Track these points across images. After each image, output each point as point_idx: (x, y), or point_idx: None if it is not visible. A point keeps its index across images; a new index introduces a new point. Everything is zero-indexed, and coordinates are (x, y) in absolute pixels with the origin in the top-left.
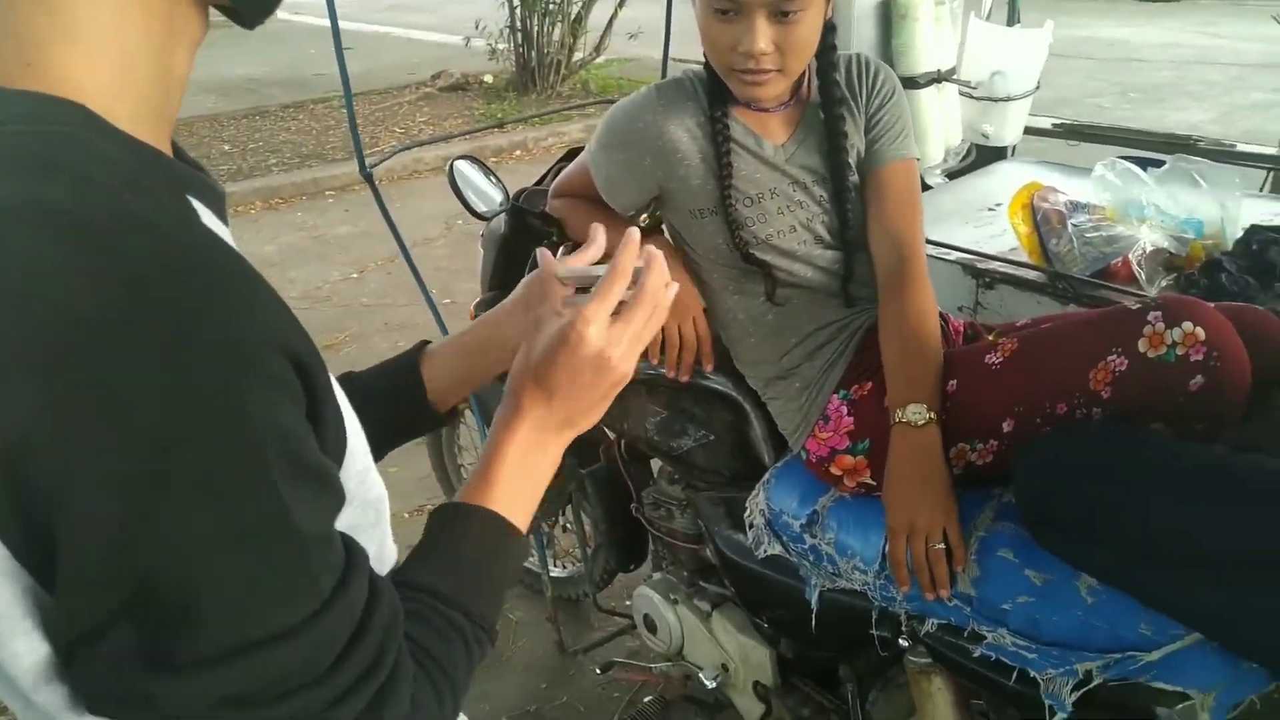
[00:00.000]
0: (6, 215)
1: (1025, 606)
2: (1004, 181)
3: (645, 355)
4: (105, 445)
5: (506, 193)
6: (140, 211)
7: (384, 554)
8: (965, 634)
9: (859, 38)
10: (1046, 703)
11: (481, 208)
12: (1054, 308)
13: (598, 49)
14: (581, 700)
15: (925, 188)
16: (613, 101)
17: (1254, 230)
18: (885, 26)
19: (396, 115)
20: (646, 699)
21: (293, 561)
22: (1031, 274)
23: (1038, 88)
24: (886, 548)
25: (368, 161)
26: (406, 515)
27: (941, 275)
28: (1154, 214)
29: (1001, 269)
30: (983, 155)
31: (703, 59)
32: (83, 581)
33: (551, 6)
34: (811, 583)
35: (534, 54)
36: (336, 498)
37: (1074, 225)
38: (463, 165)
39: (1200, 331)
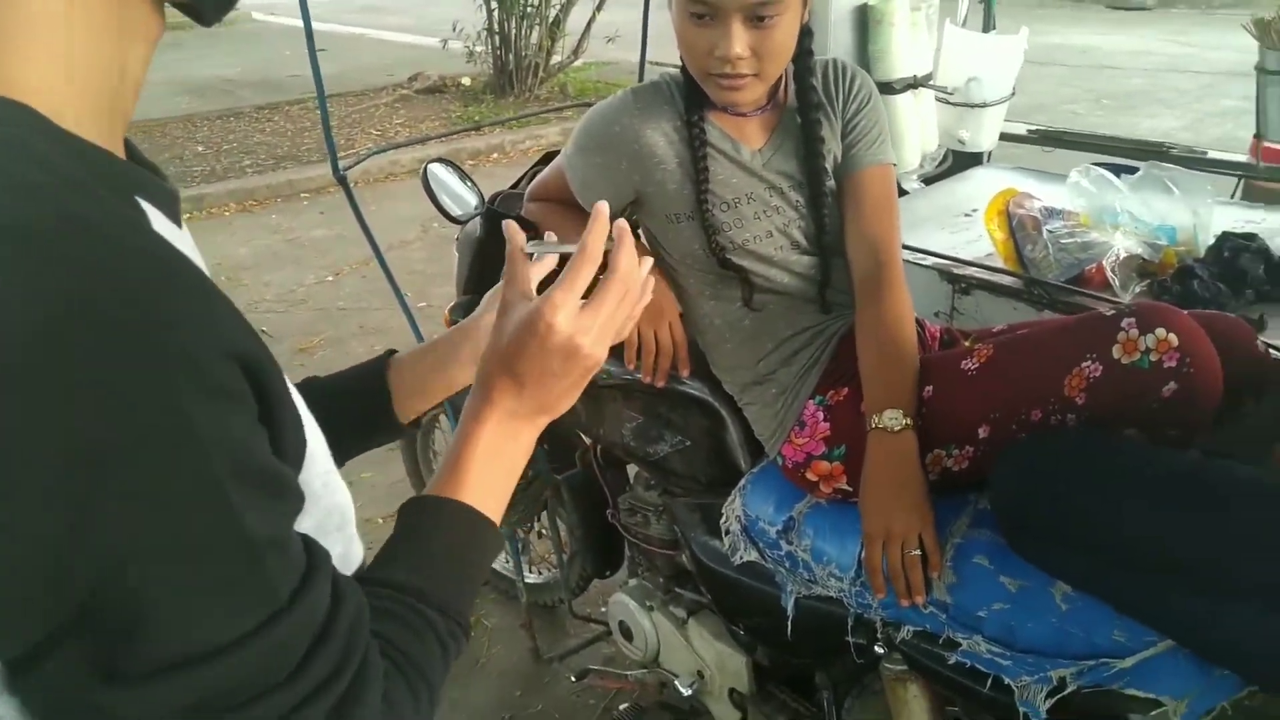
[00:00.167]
0: None
1: (1000, 613)
2: (980, 187)
3: (621, 360)
4: (43, 456)
5: (481, 196)
6: (83, 215)
7: (349, 556)
8: (940, 641)
9: (835, 43)
10: (1021, 710)
11: (456, 211)
12: (1030, 313)
13: (575, 52)
14: (557, 708)
15: (902, 193)
16: (590, 105)
17: (1225, 237)
18: (862, 32)
19: (373, 117)
20: (622, 706)
21: (245, 567)
22: (1007, 280)
23: (1013, 94)
24: (862, 554)
25: (342, 164)
26: (380, 520)
27: (918, 281)
28: (1128, 220)
29: (977, 275)
30: (959, 161)
31: (680, 63)
32: (27, 596)
33: (529, 9)
34: (787, 589)
35: (512, 57)
36: (294, 502)
37: (1049, 231)
38: (437, 168)
39: (1173, 338)
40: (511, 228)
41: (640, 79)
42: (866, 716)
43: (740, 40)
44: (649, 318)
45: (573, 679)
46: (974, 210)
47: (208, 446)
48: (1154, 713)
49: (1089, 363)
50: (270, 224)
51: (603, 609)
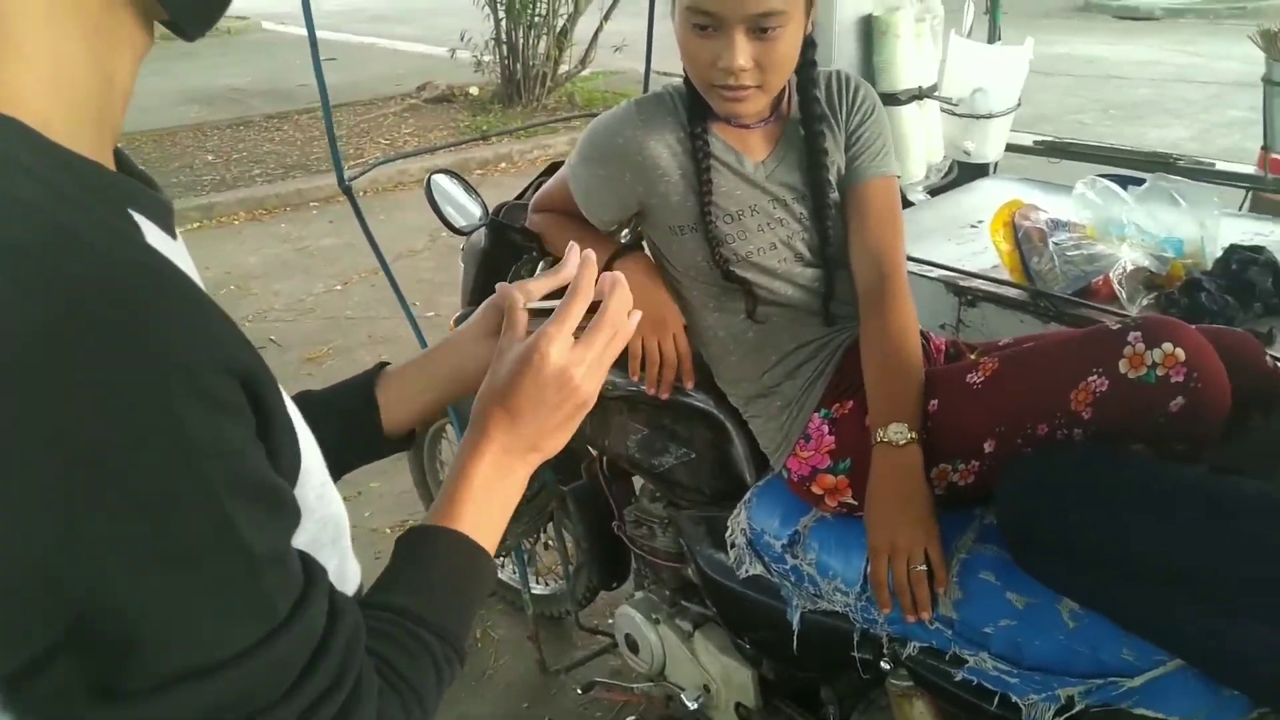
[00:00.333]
0: None
1: (1007, 630)
2: (986, 198)
3: (626, 372)
4: (36, 467)
5: (485, 207)
6: (73, 229)
7: (345, 571)
8: (947, 657)
9: (840, 54)
10: None
11: (461, 222)
12: (1036, 326)
13: (583, 61)
14: None
15: (907, 204)
16: (598, 114)
17: (1233, 250)
18: (866, 43)
19: (381, 126)
20: (629, 719)
21: (243, 582)
22: (1013, 292)
23: (1019, 104)
24: (868, 569)
25: (347, 175)
26: (388, 530)
27: (923, 292)
28: (1134, 233)
29: (983, 287)
30: (965, 172)
31: (684, 74)
32: (21, 609)
33: (537, 19)
34: (793, 604)
35: (519, 66)
36: (292, 517)
37: (1055, 243)
38: (441, 179)
39: (1180, 352)
40: (510, 296)
41: (645, 89)
42: None
43: (743, 51)
44: (652, 329)
45: (579, 691)
46: (980, 222)
47: (204, 459)
48: None
49: (1095, 377)
50: (279, 233)
51: (610, 621)
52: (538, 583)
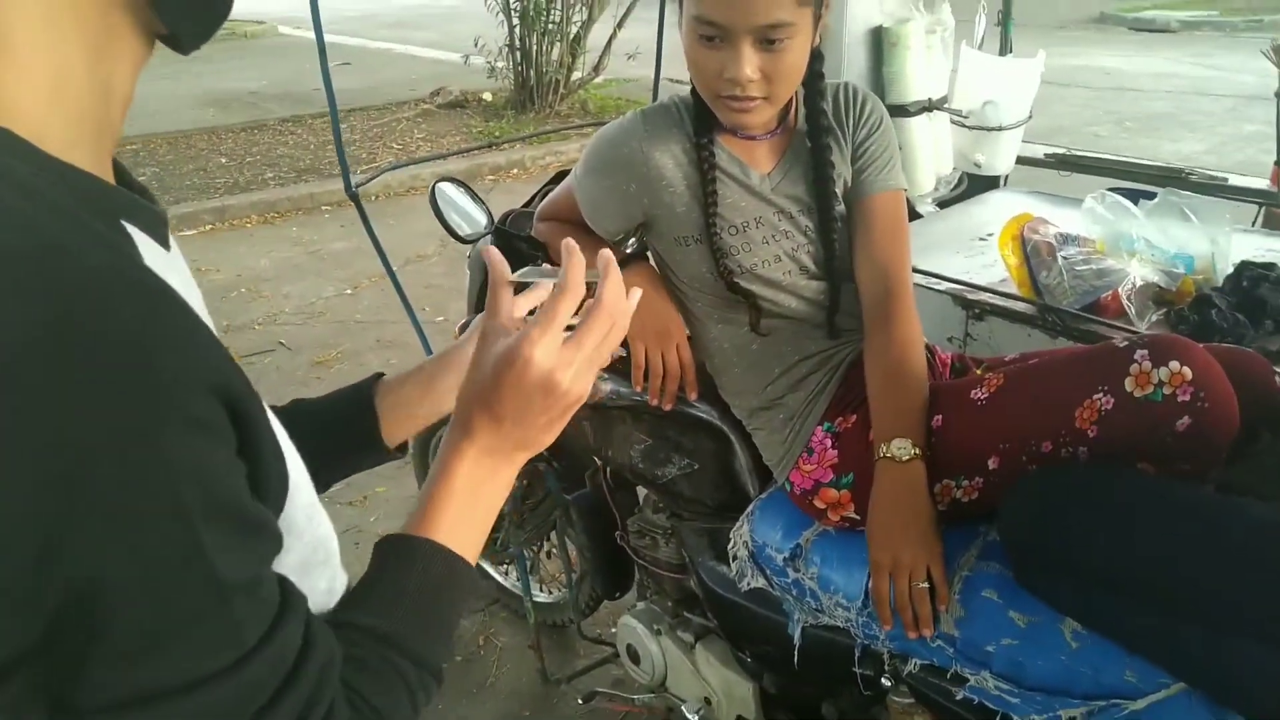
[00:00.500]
0: None
1: (1009, 649)
2: (996, 211)
3: (629, 381)
4: (16, 477)
5: (490, 215)
6: (62, 241)
7: (334, 590)
8: (948, 675)
9: (850, 65)
10: None
11: (466, 230)
12: (1044, 340)
13: (596, 69)
14: None
15: (916, 216)
16: (608, 122)
17: (1244, 266)
18: (876, 54)
19: (394, 131)
20: None
21: (210, 607)
22: (1021, 306)
23: (1030, 117)
24: (870, 584)
25: (360, 179)
26: None
27: (931, 305)
28: (1144, 248)
29: (991, 300)
30: (975, 184)
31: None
32: None
33: (550, 26)
34: (794, 618)
35: (533, 73)
36: (270, 543)
37: (1064, 258)
38: (446, 187)
39: (1187, 371)
40: (493, 256)
41: (654, 98)
42: None
43: (750, 62)
44: (656, 340)
45: (580, 701)
46: (989, 234)
47: (181, 480)
48: None
49: (1101, 395)
50: (291, 236)
51: (613, 630)
52: (541, 591)
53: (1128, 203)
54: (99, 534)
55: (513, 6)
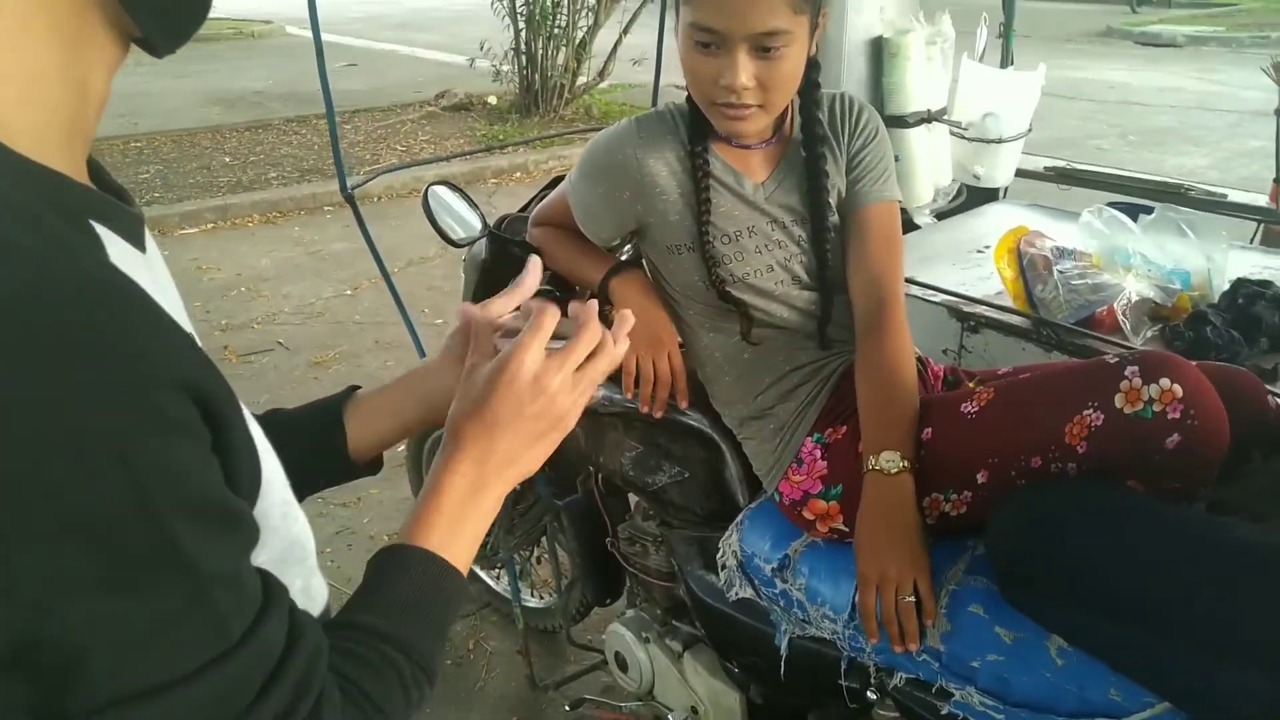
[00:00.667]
0: None
1: (994, 665)
2: (994, 223)
3: (620, 388)
4: None
5: (484, 220)
6: (21, 241)
7: (310, 590)
8: (933, 690)
9: (850, 76)
10: None
11: (460, 234)
12: (1039, 354)
13: (601, 74)
14: None
15: (914, 228)
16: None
17: (1240, 283)
18: (876, 65)
19: (399, 133)
20: None
21: (191, 602)
22: (1016, 319)
23: (1030, 130)
24: (856, 597)
25: (358, 180)
26: (386, 537)
27: (926, 317)
28: (1140, 263)
29: (986, 313)
30: (974, 196)
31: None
32: None
33: (557, 30)
34: (781, 628)
35: (538, 77)
36: (248, 535)
37: (1060, 271)
38: (440, 191)
39: (1178, 389)
40: (468, 311)
41: (654, 103)
42: None
43: (745, 70)
44: (647, 347)
45: (567, 708)
46: (987, 247)
47: (150, 476)
48: None
49: (1090, 411)
50: (293, 236)
51: (603, 637)
52: (532, 596)
53: (1125, 217)
54: (65, 538)
55: (519, 10)
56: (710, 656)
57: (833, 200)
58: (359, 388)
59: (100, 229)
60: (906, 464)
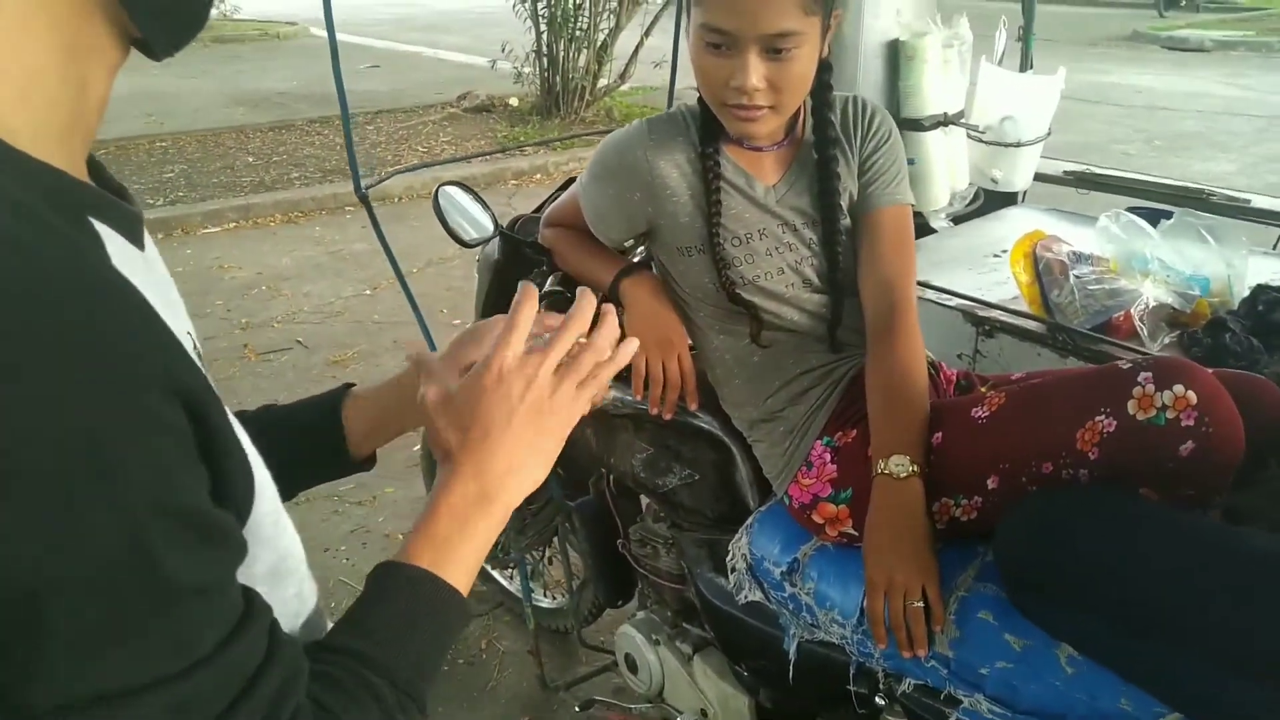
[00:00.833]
0: None
1: (1003, 672)
2: (1012, 228)
3: (630, 389)
4: None
5: (495, 220)
6: (15, 236)
7: (303, 592)
8: (942, 697)
9: (866, 78)
10: None
11: (471, 234)
12: (1054, 359)
13: (623, 76)
14: None
15: (929, 231)
16: None
17: (1260, 290)
18: (893, 68)
19: (420, 134)
20: None
21: (160, 610)
22: (1031, 324)
23: (1049, 134)
24: (865, 602)
25: (369, 181)
26: (400, 537)
27: (941, 321)
28: (1158, 268)
29: (1001, 318)
30: (992, 200)
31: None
32: None
33: (578, 32)
34: (790, 632)
35: (559, 79)
36: (230, 549)
37: (1076, 276)
38: (451, 191)
39: (1192, 395)
40: (422, 360)
41: (669, 105)
42: None
43: (756, 71)
44: (657, 349)
45: (578, 709)
46: (1003, 251)
47: (128, 478)
48: None
49: (1103, 417)
50: (314, 236)
51: (614, 638)
52: (545, 596)
53: (1143, 222)
54: (38, 535)
55: (541, 13)
56: (720, 660)
57: (844, 203)
58: (354, 385)
59: (99, 226)
60: (916, 468)
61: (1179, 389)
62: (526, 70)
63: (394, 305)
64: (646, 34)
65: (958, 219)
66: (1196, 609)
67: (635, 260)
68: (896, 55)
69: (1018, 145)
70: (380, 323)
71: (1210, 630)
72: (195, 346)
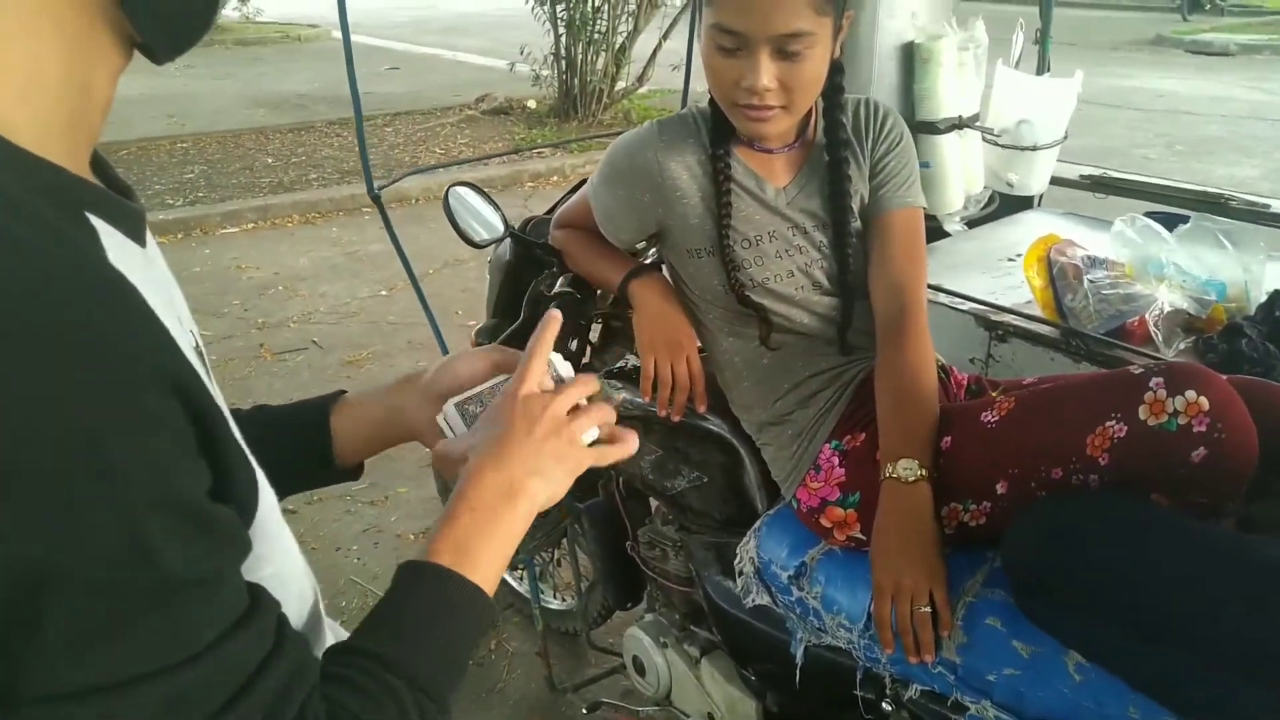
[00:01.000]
0: None
1: (1011, 679)
2: (1027, 231)
3: (639, 391)
4: None
5: (506, 221)
6: (15, 235)
7: (304, 593)
8: (949, 703)
9: (881, 81)
10: None
11: (482, 235)
12: (1067, 365)
13: (640, 79)
14: None
15: (943, 235)
16: None
17: (1277, 295)
18: (908, 70)
19: (438, 136)
20: None
21: (158, 603)
22: (1045, 329)
23: (1065, 137)
24: (872, 606)
25: (382, 182)
26: (412, 537)
27: (953, 325)
28: (1174, 273)
29: (1015, 322)
30: (1008, 204)
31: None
32: None
33: (596, 35)
34: (797, 636)
35: (577, 81)
36: (231, 543)
37: (1090, 281)
38: (461, 192)
39: (1204, 401)
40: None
41: (683, 106)
42: None
43: (768, 71)
44: (666, 351)
45: (585, 711)
46: (1018, 255)
47: (127, 477)
48: None
49: (1113, 422)
50: (331, 236)
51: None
52: (555, 598)
53: (1158, 227)
54: (35, 527)
55: (559, 16)
56: (727, 663)
57: (855, 205)
58: (345, 392)
59: (97, 221)
60: (924, 472)
61: (1191, 395)
62: (545, 73)
63: (409, 306)
64: (665, 37)
65: (972, 223)
66: (1208, 616)
67: (647, 262)
68: (911, 58)
69: (1034, 149)
70: (395, 324)
71: (1222, 637)
72: (197, 345)
